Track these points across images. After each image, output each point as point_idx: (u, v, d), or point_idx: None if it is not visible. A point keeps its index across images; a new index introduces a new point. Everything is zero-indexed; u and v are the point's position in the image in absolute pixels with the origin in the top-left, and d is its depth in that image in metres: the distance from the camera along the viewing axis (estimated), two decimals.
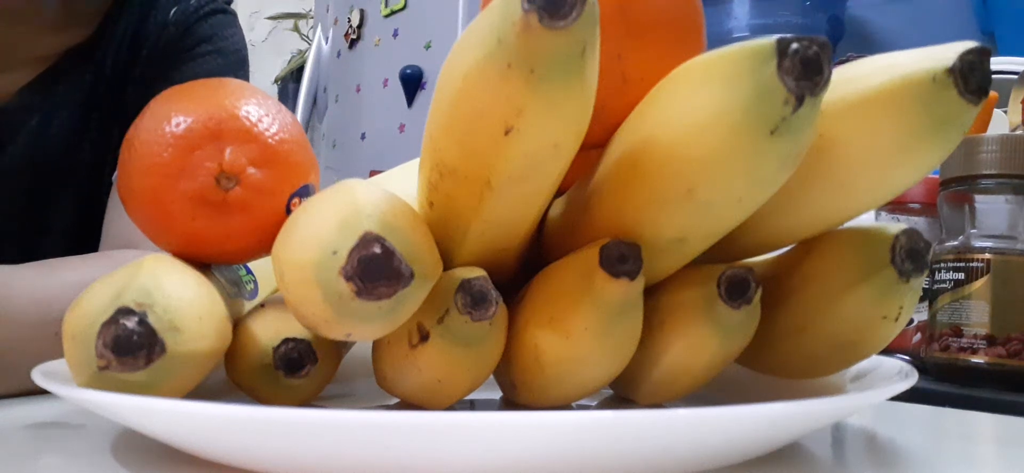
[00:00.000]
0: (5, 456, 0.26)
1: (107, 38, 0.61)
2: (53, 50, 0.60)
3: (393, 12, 1.61)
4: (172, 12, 0.62)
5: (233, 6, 0.66)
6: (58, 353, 0.27)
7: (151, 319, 0.24)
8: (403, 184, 0.33)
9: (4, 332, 0.38)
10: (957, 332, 0.53)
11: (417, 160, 0.29)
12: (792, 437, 0.27)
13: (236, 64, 0.64)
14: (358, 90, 1.70)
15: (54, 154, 0.60)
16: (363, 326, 0.24)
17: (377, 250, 0.23)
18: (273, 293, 0.36)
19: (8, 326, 0.39)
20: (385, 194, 0.25)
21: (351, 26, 1.72)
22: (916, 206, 0.65)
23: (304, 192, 0.31)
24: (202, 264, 0.30)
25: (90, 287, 0.25)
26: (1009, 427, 0.36)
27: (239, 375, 0.30)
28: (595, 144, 0.27)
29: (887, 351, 0.40)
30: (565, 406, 0.30)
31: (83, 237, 0.60)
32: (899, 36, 1.32)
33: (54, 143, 0.60)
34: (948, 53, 0.23)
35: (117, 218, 0.57)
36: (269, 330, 0.30)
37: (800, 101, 0.21)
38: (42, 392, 0.28)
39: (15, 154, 0.59)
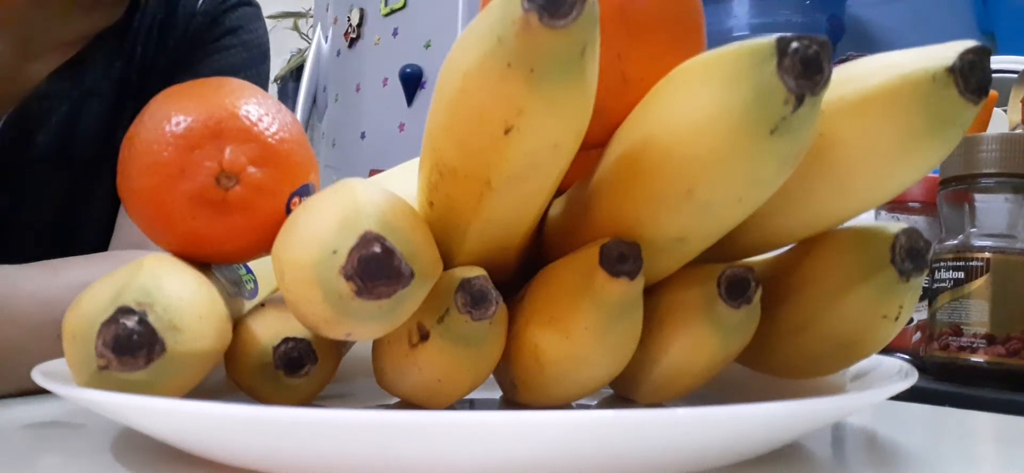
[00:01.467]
0: (5, 456, 0.26)
1: (136, 25, 0.61)
2: (82, 34, 0.59)
3: (393, 11, 1.61)
4: (200, 1, 0.62)
5: None
6: (60, 353, 0.27)
7: (151, 318, 0.24)
8: (403, 183, 0.33)
9: (8, 332, 0.38)
10: (957, 331, 0.53)
11: (417, 159, 0.29)
12: (792, 436, 0.27)
13: (259, 58, 0.65)
14: (358, 89, 1.70)
15: (86, 144, 0.59)
16: (363, 325, 0.24)
17: (377, 249, 0.23)
18: (273, 292, 0.36)
19: (12, 326, 0.39)
20: (385, 193, 0.25)
21: (351, 25, 1.73)
22: (916, 205, 0.65)
23: (304, 191, 0.31)
24: (202, 263, 0.30)
25: (90, 287, 0.25)
26: (1009, 426, 0.36)
27: (239, 374, 0.30)
28: (595, 144, 0.27)
29: (887, 350, 0.40)
30: (565, 405, 0.30)
31: None
32: (899, 36, 1.32)
33: (86, 133, 0.59)
34: (948, 52, 0.23)
35: (127, 218, 0.57)
36: (269, 329, 0.30)
37: (800, 100, 0.21)
38: (42, 391, 0.28)
39: (47, 143, 0.58)
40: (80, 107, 0.59)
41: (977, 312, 0.52)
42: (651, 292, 0.28)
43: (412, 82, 1.53)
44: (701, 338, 0.27)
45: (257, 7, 0.66)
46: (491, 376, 0.29)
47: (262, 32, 0.66)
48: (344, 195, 0.24)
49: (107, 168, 0.60)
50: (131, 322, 0.24)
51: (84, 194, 0.60)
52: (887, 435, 0.32)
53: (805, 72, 0.21)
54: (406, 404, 0.31)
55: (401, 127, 1.55)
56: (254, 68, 0.63)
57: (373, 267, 0.23)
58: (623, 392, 0.32)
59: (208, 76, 0.31)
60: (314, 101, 1.88)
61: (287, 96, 2.07)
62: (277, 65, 2.31)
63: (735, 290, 0.26)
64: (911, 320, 0.61)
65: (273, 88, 2.28)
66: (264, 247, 0.30)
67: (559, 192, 0.30)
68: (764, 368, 0.31)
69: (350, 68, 1.74)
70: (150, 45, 0.61)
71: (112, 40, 0.60)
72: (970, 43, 0.23)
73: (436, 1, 1.51)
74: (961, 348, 0.53)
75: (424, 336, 0.26)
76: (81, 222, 0.61)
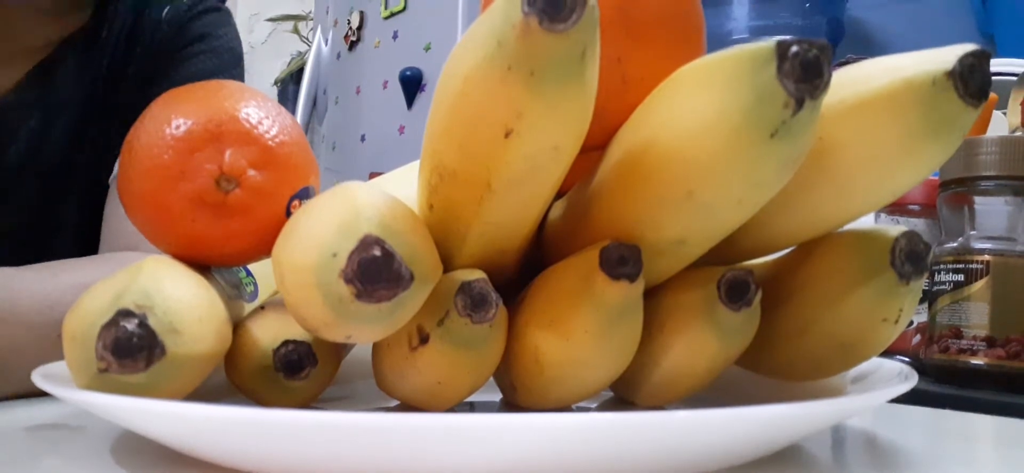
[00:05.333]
0: (5, 458, 0.26)
1: (105, 35, 0.60)
2: (49, 39, 0.59)
3: (393, 14, 1.61)
4: (165, 11, 0.61)
5: (233, 8, 0.66)
6: (60, 356, 0.27)
7: (151, 321, 0.24)
8: (403, 186, 0.33)
9: (8, 334, 0.38)
10: (957, 334, 0.53)
11: (417, 162, 0.29)
12: (792, 439, 0.27)
13: (231, 63, 0.64)
14: (358, 92, 1.70)
15: (56, 153, 0.59)
16: (363, 328, 0.24)
17: (377, 253, 0.23)
18: (273, 295, 0.36)
19: (10, 328, 0.39)
20: (385, 196, 0.25)
21: (351, 28, 1.73)
22: (916, 208, 0.65)
23: (304, 194, 0.31)
24: (202, 266, 0.30)
25: (90, 289, 0.25)
26: (1009, 429, 0.36)
27: (239, 377, 0.30)
28: (595, 146, 0.27)
29: (887, 353, 0.40)
30: (565, 408, 0.30)
31: (94, 234, 0.60)
32: (899, 38, 1.32)
33: (56, 143, 0.59)
34: (948, 56, 0.23)
35: (117, 220, 0.57)
36: (269, 332, 0.30)
37: (800, 104, 0.21)
38: (42, 394, 0.28)
39: (18, 154, 0.58)
40: (50, 118, 0.59)
41: (977, 315, 0.52)
42: (651, 295, 0.28)
43: (412, 85, 1.53)
44: (701, 341, 0.27)
45: (226, 12, 0.65)
46: (491, 379, 0.29)
47: (231, 36, 0.65)
48: (344, 198, 0.24)
49: (78, 175, 0.60)
50: (131, 325, 0.24)
51: (55, 202, 0.61)
52: (887, 437, 0.32)
53: (805, 76, 0.21)
54: (406, 407, 0.31)
55: (401, 130, 1.55)
56: (226, 74, 0.63)
57: (373, 270, 0.23)
58: (623, 395, 0.32)
59: (180, 85, 0.31)
60: (314, 104, 1.88)
61: (287, 99, 2.07)
62: (277, 68, 2.32)
63: (735, 293, 0.26)
64: (911, 323, 0.61)
65: (273, 91, 2.28)
66: (264, 250, 0.30)
67: (559, 194, 0.30)
68: (764, 370, 0.31)
69: (350, 71, 1.74)
70: (119, 55, 0.61)
71: (81, 50, 0.60)
72: (969, 46, 0.23)
73: (436, 4, 1.51)
74: (961, 351, 0.53)
75: (424, 339, 0.26)
76: (53, 229, 0.61)
